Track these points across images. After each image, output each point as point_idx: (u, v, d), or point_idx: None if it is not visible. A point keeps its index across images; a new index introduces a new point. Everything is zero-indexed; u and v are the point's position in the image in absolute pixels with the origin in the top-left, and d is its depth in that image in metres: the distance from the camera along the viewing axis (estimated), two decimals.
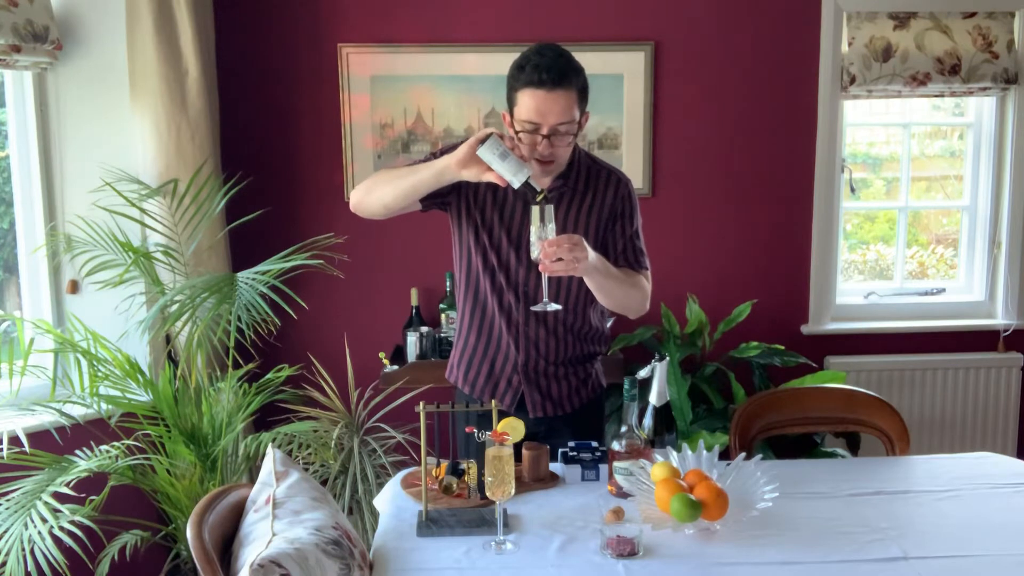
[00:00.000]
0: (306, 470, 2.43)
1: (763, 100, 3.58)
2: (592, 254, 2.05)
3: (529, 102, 2.07)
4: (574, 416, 2.35)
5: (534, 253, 2.01)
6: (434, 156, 2.19)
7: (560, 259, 1.96)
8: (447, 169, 2.05)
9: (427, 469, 1.94)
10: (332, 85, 3.47)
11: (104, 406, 2.82)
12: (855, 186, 3.78)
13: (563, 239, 1.98)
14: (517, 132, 2.11)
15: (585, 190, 2.25)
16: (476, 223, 2.24)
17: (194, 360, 2.88)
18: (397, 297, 3.48)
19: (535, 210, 2.00)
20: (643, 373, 2.09)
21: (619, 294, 2.21)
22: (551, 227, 2.00)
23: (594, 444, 2.21)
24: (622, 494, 1.97)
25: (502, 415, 2.02)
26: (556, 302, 2.15)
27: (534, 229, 2.00)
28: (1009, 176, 3.72)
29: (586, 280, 2.14)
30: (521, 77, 2.08)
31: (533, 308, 2.17)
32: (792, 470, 2.19)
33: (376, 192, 2.19)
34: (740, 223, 3.65)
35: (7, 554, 2.39)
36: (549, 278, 2.09)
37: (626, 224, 2.27)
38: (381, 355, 3.31)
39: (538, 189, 2.03)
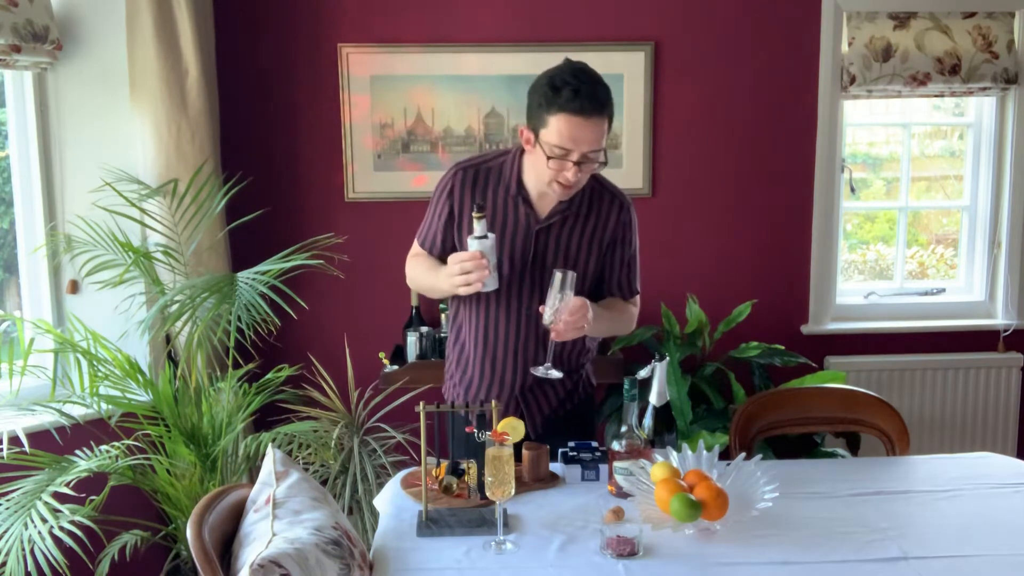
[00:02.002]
0: (306, 470, 2.43)
1: (763, 100, 3.58)
2: (591, 314, 2.08)
3: (564, 128, 1.99)
4: (568, 416, 2.37)
5: (546, 319, 2.04)
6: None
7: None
8: (453, 289, 2.10)
9: (427, 469, 1.94)
10: (332, 85, 3.47)
11: (104, 406, 2.82)
12: (855, 186, 3.78)
13: (578, 310, 2.01)
14: (548, 158, 2.03)
15: (588, 213, 2.22)
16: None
17: (194, 360, 2.88)
18: (397, 297, 3.48)
19: (556, 276, 2.01)
20: (643, 373, 2.09)
21: (608, 330, 2.34)
22: (569, 294, 2.02)
23: (594, 444, 2.21)
24: (622, 494, 1.97)
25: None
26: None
27: (552, 293, 2.02)
28: (1009, 176, 3.72)
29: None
30: (557, 100, 1.97)
31: (533, 372, 2.17)
32: (792, 470, 2.19)
33: (419, 286, 2.33)
34: (740, 223, 3.65)
35: (7, 554, 2.39)
36: (551, 340, 2.11)
37: (624, 249, 2.28)
38: (381, 355, 3.31)
39: (477, 216, 2.05)
